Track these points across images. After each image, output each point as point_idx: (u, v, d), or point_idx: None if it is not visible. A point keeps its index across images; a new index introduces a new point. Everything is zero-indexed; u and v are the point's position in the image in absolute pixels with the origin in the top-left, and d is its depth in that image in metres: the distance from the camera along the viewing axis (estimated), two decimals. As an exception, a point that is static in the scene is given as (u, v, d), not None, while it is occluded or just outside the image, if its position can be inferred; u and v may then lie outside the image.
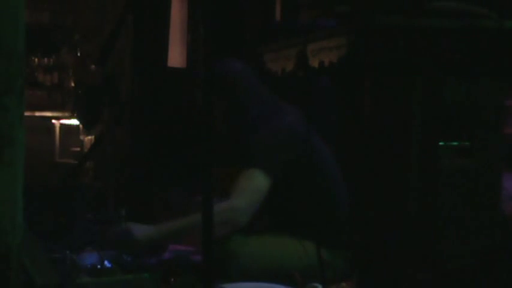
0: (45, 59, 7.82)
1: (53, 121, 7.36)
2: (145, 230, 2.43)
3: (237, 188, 2.41)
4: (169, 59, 4.88)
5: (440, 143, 2.50)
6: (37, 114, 7.21)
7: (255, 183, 2.40)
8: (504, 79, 2.54)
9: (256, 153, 2.44)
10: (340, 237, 2.52)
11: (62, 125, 7.35)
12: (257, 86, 2.62)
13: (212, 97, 2.59)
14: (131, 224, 2.44)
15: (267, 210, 2.57)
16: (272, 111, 2.55)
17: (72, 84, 7.40)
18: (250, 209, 2.38)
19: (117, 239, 2.42)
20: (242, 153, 2.51)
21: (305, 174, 2.48)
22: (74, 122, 7.01)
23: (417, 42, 2.45)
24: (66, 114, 7.37)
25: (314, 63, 2.70)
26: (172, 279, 2.35)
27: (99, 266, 2.27)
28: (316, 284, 2.27)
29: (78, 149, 6.88)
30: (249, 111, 2.55)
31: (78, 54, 7.16)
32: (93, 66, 6.26)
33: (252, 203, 2.39)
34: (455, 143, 2.52)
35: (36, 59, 7.77)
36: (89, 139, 6.42)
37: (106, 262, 2.31)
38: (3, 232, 1.28)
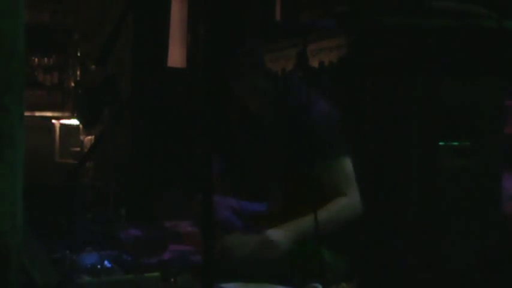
0: (45, 59, 7.82)
1: (53, 121, 7.35)
2: (281, 234, 2.43)
3: (342, 181, 2.47)
4: (169, 59, 4.88)
5: (440, 143, 2.49)
6: (37, 114, 7.20)
7: (351, 171, 2.47)
8: (504, 79, 2.54)
9: (332, 142, 2.48)
10: (341, 237, 2.51)
11: (62, 125, 7.34)
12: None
13: (257, 83, 2.60)
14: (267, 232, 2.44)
15: (269, 209, 2.57)
16: (309, 93, 2.57)
17: (72, 84, 7.40)
18: (360, 197, 2.44)
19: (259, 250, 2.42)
20: (301, 139, 2.51)
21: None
22: (74, 122, 7.01)
23: (417, 42, 2.45)
24: (66, 114, 7.37)
25: (314, 63, 2.70)
26: (172, 279, 2.35)
27: (99, 266, 2.27)
28: (316, 285, 2.27)
29: (78, 149, 6.87)
30: (296, 94, 2.57)
31: (78, 54, 7.15)
32: (93, 66, 6.25)
33: (358, 190, 2.45)
34: (455, 143, 2.52)
35: (36, 59, 7.77)
36: (89, 139, 6.41)
37: (106, 262, 2.31)
38: (3, 232, 1.28)
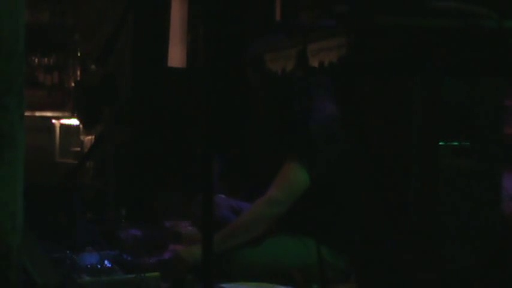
0: (45, 59, 7.82)
1: (53, 121, 7.36)
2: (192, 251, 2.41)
3: (275, 181, 2.41)
4: (169, 59, 4.88)
5: (440, 143, 2.49)
6: (37, 114, 7.20)
7: (293, 176, 2.39)
8: (504, 79, 2.54)
9: (299, 147, 2.44)
10: (341, 236, 2.52)
11: (62, 125, 7.34)
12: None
13: (259, 86, 2.59)
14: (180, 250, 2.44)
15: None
16: (314, 98, 2.54)
17: (72, 84, 7.40)
18: (286, 201, 2.37)
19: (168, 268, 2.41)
20: (286, 144, 2.50)
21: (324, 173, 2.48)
22: (74, 122, 7.01)
23: (417, 42, 2.45)
24: (66, 114, 7.37)
25: (314, 63, 2.69)
26: (172, 279, 2.35)
27: (99, 266, 2.27)
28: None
29: (78, 149, 6.87)
30: (297, 99, 2.55)
31: (78, 54, 7.15)
32: (93, 66, 6.25)
33: (289, 194, 2.38)
34: (455, 143, 2.52)
35: (36, 59, 7.77)
36: (89, 139, 6.41)
37: (106, 262, 2.31)
38: (3, 232, 1.28)
